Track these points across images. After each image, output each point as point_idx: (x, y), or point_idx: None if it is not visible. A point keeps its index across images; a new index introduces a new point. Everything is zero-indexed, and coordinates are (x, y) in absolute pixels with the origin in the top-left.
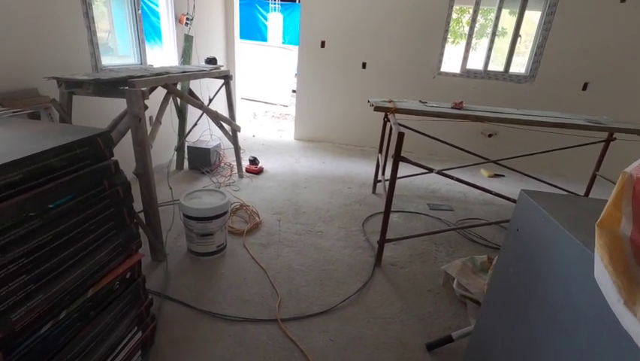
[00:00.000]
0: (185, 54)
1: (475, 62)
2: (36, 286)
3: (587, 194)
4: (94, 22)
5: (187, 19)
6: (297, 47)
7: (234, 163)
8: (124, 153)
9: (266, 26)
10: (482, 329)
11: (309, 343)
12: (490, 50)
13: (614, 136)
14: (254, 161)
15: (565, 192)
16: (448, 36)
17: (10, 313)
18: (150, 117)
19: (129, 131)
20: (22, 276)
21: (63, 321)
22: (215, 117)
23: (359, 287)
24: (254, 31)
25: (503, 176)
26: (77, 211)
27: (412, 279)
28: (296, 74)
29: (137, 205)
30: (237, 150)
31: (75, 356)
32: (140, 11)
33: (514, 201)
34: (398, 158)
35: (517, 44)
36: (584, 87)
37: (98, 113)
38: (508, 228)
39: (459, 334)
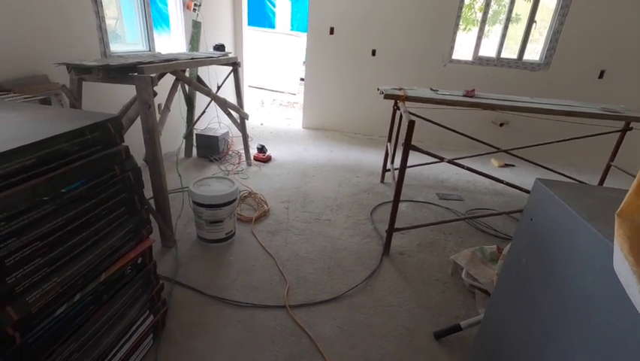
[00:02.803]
0: (193, 41)
1: (488, 50)
2: (50, 269)
3: (600, 185)
4: (102, 7)
5: (195, 5)
6: (305, 33)
7: (242, 151)
8: (134, 141)
9: (274, 12)
10: (492, 318)
11: (317, 329)
12: (503, 36)
13: (630, 125)
14: (262, 149)
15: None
16: (460, 23)
17: (26, 296)
18: (159, 105)
19: (139, 118)
20: (37, 259)
21: (77, 304)
22: (224, 105)
23: (367, 275)
24: (261, 17)
25: (514, 166)
26: (89, 196)
27: (421, 268)
28: (304, 62)
29: (147, 192)
30: (245, 137)
31: (89, 337)
32: None
33: (525, 191)
34: (408, 146)
35: (532, 31)
36: (601, 75)
37: (108, 99)
38: (521, 217)
39: (468, 323)
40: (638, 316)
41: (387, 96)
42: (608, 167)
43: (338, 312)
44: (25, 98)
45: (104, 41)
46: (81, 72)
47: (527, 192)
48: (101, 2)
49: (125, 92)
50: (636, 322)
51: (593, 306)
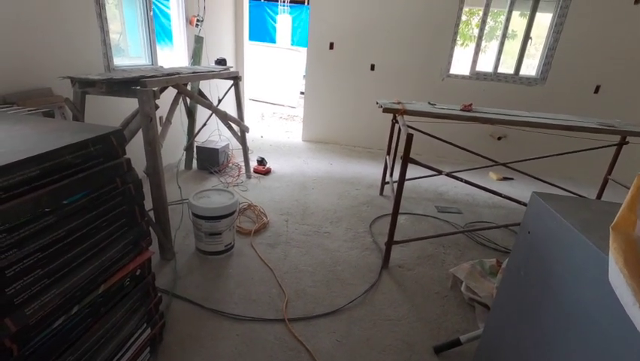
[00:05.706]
0: (196, 55)
1: (485, 65)
2: (50, 280)
3: (598, 198)
4: (107, 22)
5: (197, 20)
6: (305, 48)
7: (242, 164)
8: (135, 152)
9: (275, 28)
10: (491, 332)
11: (316, 343)
12: (500, 52)
13: (626, 140)
14: (262, 161)
15: (576, 196)
16: (457, 38)
17: (25, 307)
18: (160, 117)
19: (140, 130)
20: (37, 270)
21: (75, 316)
22: (224, 118)
23: (366, 289)
24: (263, 32)
25: (512, 179)
26: (90, 208)
27: (420, 281)
28: (304, 76)
29: (147, 204)
30: (245, 150)
31: (86, 350)
32: (152, 13)
33: (523, 203)
34: (407, 159)
35: (528, 47)
36: (596, 90)
37: (110, 112)
38: (518, 230)
39: (467, 337)
40: (633, 327)
41: (385, 110)
42: (606, 180)
43: (337, 326)
44: (29, 110)
45: (107, 55)
46: (85, 86)
47: (525, 204)
48: (106, 17)
49: (127, 105)
50: (631, 332)
51: (590, 318)
